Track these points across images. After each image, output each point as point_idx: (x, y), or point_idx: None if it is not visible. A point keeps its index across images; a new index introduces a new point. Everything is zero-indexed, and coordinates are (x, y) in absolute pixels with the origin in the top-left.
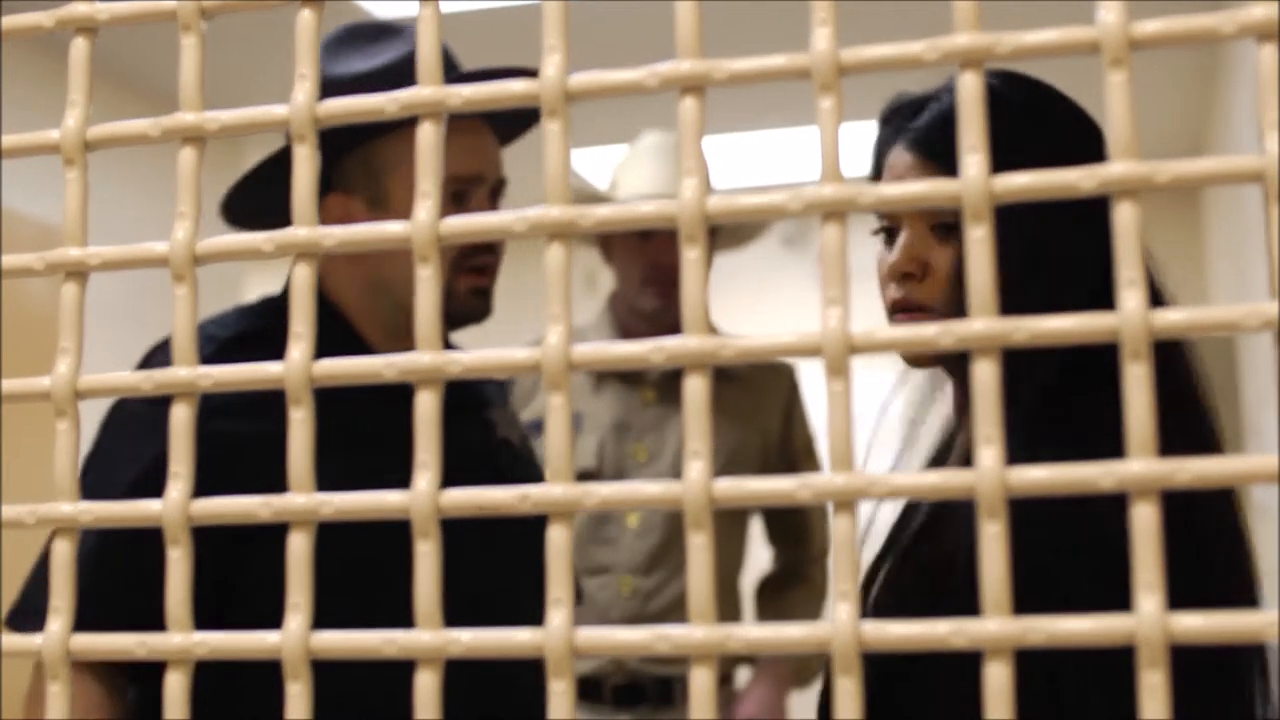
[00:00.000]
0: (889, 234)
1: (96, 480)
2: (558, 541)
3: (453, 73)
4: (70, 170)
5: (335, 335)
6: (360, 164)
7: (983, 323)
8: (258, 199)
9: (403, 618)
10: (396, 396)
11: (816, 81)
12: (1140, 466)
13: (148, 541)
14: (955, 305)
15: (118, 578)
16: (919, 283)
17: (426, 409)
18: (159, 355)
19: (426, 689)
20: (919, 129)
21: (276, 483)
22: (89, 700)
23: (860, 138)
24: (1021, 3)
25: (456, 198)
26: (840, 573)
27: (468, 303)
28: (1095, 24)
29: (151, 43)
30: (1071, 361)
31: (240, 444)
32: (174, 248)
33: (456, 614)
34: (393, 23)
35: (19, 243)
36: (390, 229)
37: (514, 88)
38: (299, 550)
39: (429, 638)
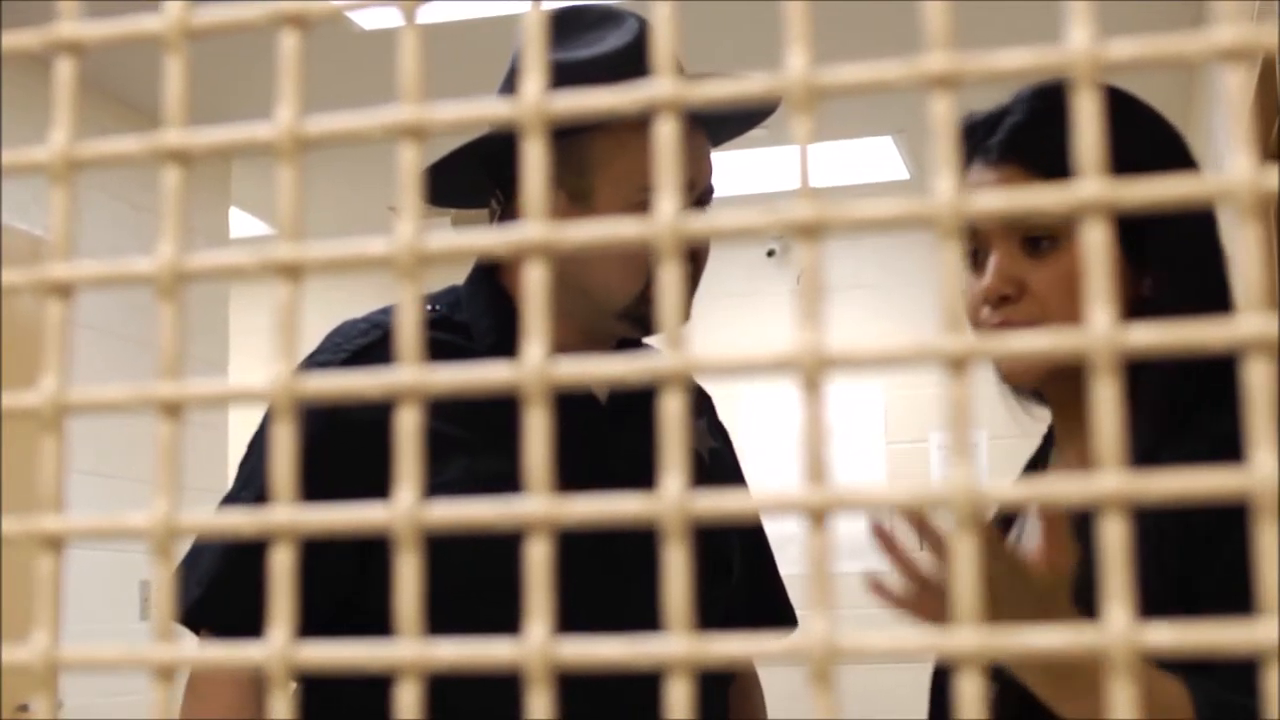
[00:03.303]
0: (975, 258)
1: (253, 465)
2: (538, 557)
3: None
4: (56, 189)
5: (514, 331)
6: (567, 157)
7: (956, 337)
8: (458, 182)
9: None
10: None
11: (791, 103)
12: (1109, 482)
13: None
14: (1063, 321)
15: (255, 555)
16: (1016, 304)
17: (408, 425)
18: (377, 350)
19: (408, 703)
20: (998, 144)
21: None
22: (244, 700)
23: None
24: (1000, 7)
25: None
26: (815, 584)
27: None
28: (1066, 46)
29: (139, 58)
30: (1192, 374)
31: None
32: (159, 266)
33: (577, 626)
34: (612, 8)
35: (10, 257)
36: (373, 248)
37: (497, 108)
38: (282, 564)
39: (410, 651)
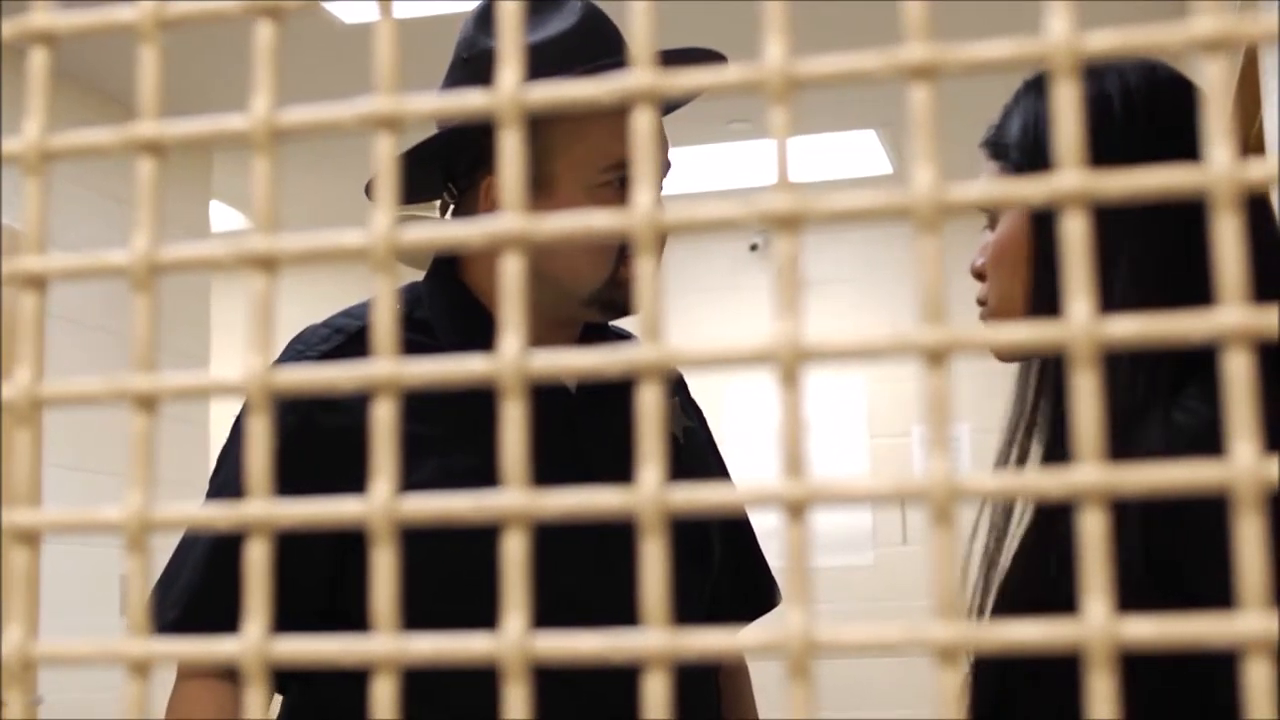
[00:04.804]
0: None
1: (225, 475)
2: (515, 550)
3: (624, 51)
4: (30, 180)
5: (480, 328)
6: (525, 144)
7: (934, 329)
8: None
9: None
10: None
11: (768, 94)
12: (1088, 474)
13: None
14: (994, 292)
15: (231, 576)
16: (983, 282)
17: (384, 418)
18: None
19: (383, 698)
20: (982, 143)
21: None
22: (226, 701)
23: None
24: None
25: (623, 184)
26: (793, 579)
27: (631, 291)
28: (1045, 37)
29: (125, 51)
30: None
31: (340, 436)
32: (133, 258)
33: (560, 618)
34: None
35: None
36: (350, 240)
37: (473, 99)
38: (257, 558)
39: (385, 645)
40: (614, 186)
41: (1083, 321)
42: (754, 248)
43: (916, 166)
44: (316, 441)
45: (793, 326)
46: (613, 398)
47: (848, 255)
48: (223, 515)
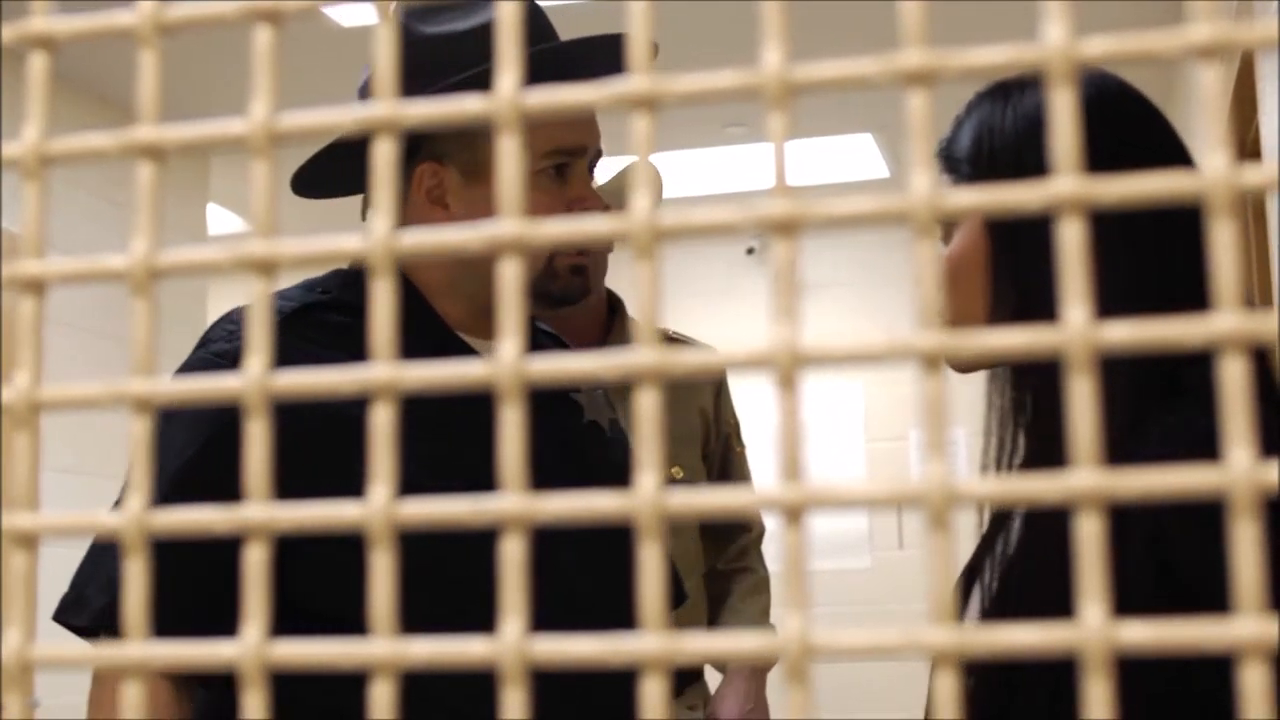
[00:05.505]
0: None
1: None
2: (513, 553)
3: (549, 39)
4: (29, 184)
5: (412, 313)
6: (457, 132)
7: (931, 334)
8: (333, 171)
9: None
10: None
11: (766, 99)
12: (1085, 478)
13: (211, 544)
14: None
15: (178, 581)
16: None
17: (383, 423)
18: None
19: (382, 701)
20: (942, 150)
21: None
22: (158, 700)
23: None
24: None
25: (560, 170)
26: (790, 582)
27: (568, 281)
28: (1042, 43)
29: (114, 51)
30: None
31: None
32: (132, 262)
33: (557, 618)
34: None
35: None
36: (347, 244)
37: (471, 104)
38: (256, 562)
39: (384, 648)
40: (550, 174)
41: (1079, 327)
42: (750, 251)
43: (913, 171)
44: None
45: (790, 331)
46: (563, 397)
47: (845, 259)
48: (221, 519)
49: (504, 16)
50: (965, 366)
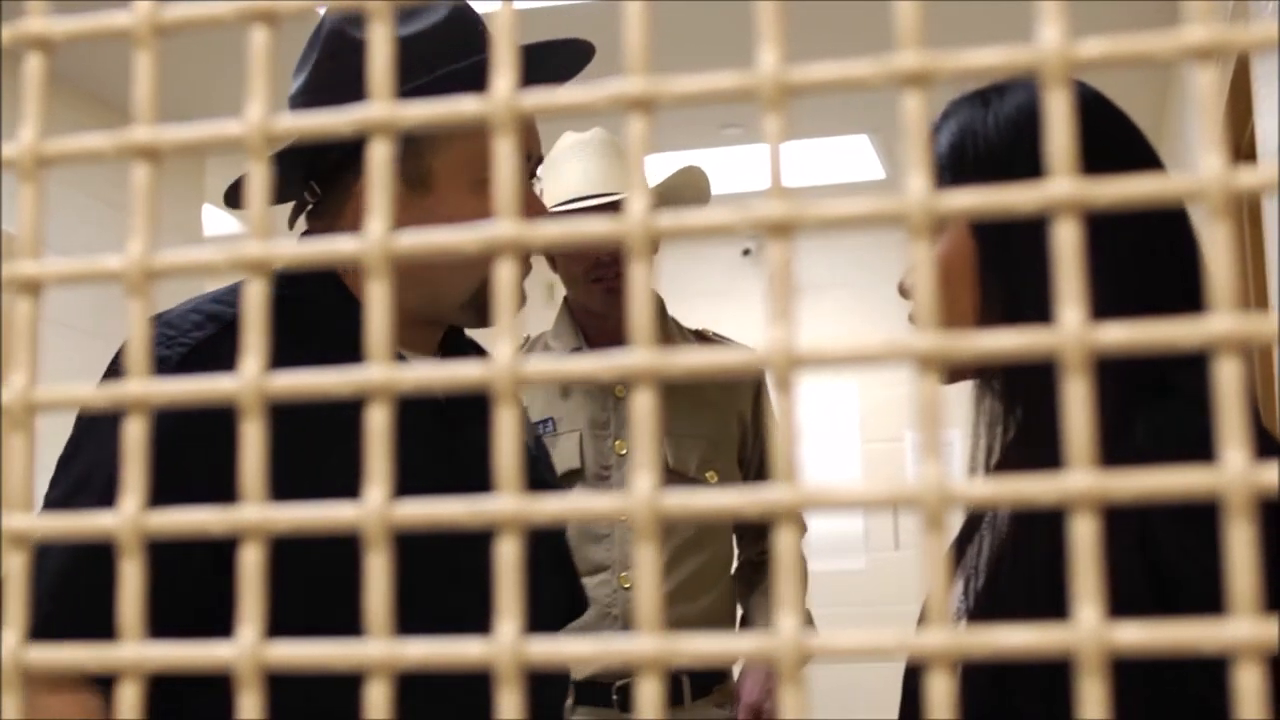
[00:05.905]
0: None
1: (68, 485)
2: (509, 555)
3: (490, 47)
4: (25, 185)
5: (342, 317)
6: (400, 142)
7: (925, 337)
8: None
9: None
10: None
11: (762, 101)
12: (1080, 480)
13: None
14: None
15: (92, 594)
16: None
17: (379, 424)
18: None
19: (378, 702)
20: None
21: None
22: (88, 711)
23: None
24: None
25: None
26: (784, 582)
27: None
28: (1037, 45)
29: (111, 52)
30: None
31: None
32: (128, 263)
33: (421, 626)
34: None
35: None
36: (343, 246)
37: (467, 105)
38: (252, 563)
39: (380, 650)
40: (487, 183)
41: (1074, 328)
42: (747, 253)
43: (909, 173)
44: (196, 438)
45: (786, 332)
46: (481, 409)
47: (841, 260)
48: (217, 520)
49: (500, 19)
50: (951, 378)
